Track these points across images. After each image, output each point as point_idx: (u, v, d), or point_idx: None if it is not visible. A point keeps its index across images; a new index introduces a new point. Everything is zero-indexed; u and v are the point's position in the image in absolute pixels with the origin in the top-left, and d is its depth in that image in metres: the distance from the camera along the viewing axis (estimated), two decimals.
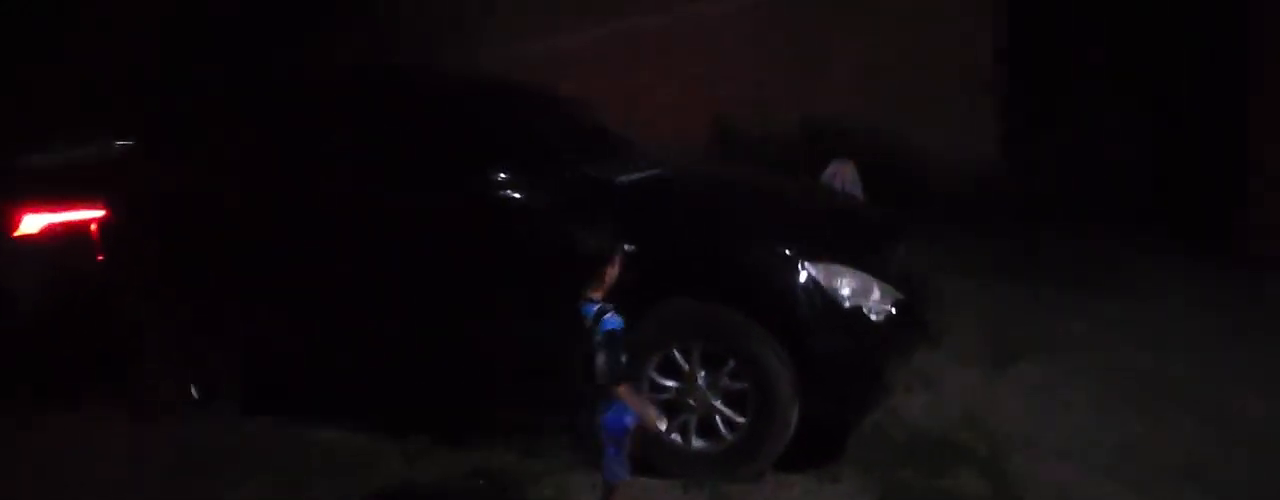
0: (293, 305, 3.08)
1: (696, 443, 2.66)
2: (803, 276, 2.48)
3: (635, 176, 3.01)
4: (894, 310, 2.52)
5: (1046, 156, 4.95)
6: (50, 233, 3.82)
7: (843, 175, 4.12)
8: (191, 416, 3.11)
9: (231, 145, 3.21)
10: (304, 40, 4.27)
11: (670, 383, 2.68)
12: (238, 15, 4.00)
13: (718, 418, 2.63)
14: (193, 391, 3.22)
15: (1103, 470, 2.55)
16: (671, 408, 2.69)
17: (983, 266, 4.16)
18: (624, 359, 2.03)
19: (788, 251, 2.55)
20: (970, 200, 4.85)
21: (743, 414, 2.59)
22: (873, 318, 2.51)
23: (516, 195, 2.84)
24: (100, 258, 3.35)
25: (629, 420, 2.08)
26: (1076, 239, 4.42)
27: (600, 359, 2.01)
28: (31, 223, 3.82)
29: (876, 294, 2.52)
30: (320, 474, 2.73)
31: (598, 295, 2.09)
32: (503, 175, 2.85)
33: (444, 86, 3.33)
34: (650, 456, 2.69)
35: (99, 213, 3.41)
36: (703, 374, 2.63)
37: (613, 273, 2.10)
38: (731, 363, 2.58)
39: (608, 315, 2.03)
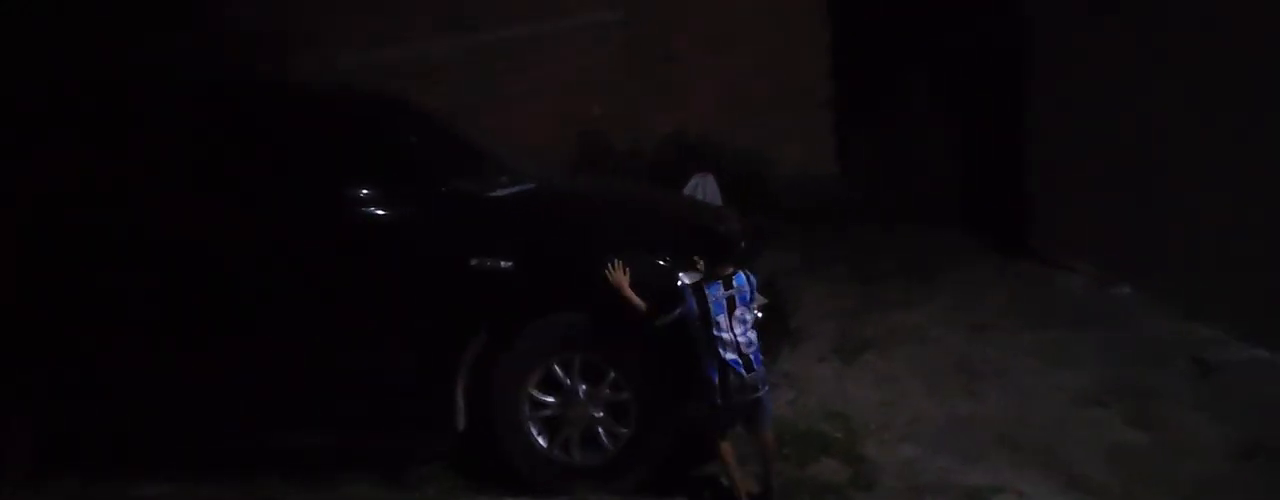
0: (115, 345, 2.74)
1: (578, 456, 2.68)
2: (679, 285, 2.59)
3: (507, 191, 2.99)
4: (761, 314, 2.70)
5: (876, 167, 5.50)
6: None
7: (704, 187, 4.35)
8: None
9: (30, 166, 2.81)
10: (131, 46, 3.80)
11: (551, 398, 2.69)
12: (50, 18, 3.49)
13: (600, 429, 2.67)
14: None
15: (939, 446, 2.88)
16: (553, 424, 2.70)
17: (828, 269, 4.55)
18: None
19: (663, 262, 2.65)
20: (814, 209, 5.28)
21: (624, 425, 2.65)
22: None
23: (380, 212, 2.72)
24: None
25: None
26: (905, 242, 4.95)
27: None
28: None
29: (752, 285, 2.68)
30: None
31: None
32: (364, 192, 2.72)
33: (293, 97, 3.12)
34: (530, 473, 2.68)
35: None
36: (583, 387, 2.66)
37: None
38: (612, 374, 2.63)
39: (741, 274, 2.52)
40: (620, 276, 2.48)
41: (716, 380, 2.43)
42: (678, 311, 2.44)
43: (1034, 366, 3.46)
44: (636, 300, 2.47)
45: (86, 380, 2.79)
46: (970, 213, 5.17)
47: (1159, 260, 4.00)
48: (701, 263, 2.51)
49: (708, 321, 2.42)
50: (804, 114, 5.62)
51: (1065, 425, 3.01)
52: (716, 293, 2.44)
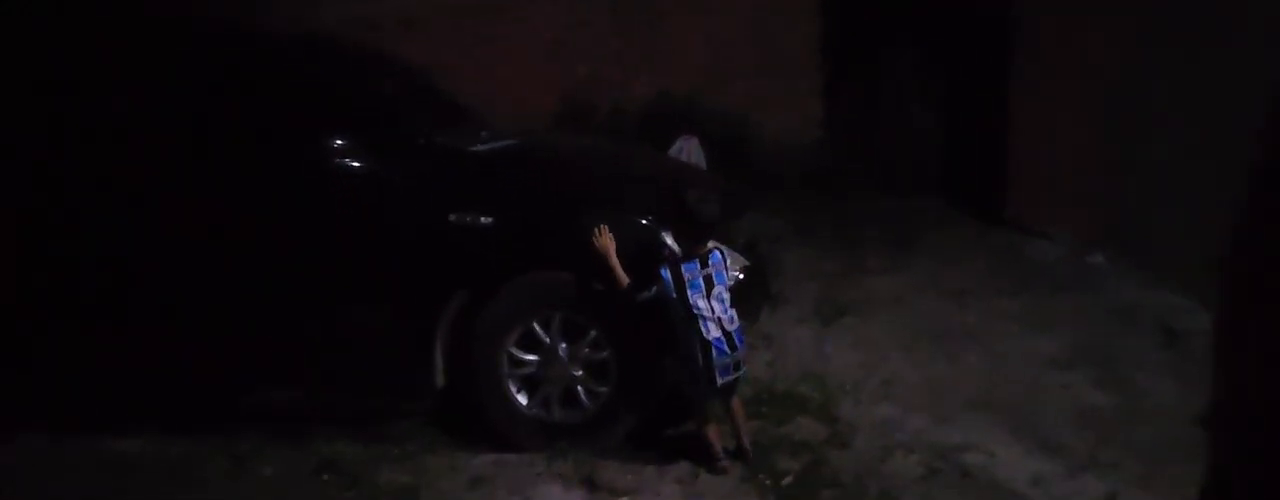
0: (79, 297, 2.68)
1: (558, 414, 2.69)
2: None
3: (488, 146, 2.93)
4: (742, 276, 2.69)
5: (860, 134, 5.48)
6: None
7: (688, 149, 4.32)
8: None
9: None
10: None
11: (531, 356, 2.68)
12: None
13: (579, 388, 2.68)
14: None
15: (914, 406, 2.94)
16: (532, 382, 2.70)
17: (811, 235, 4.56)
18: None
19: (645, 221, 2.63)
20: (798, 174, 5.27)
21: (604, 383, 2.65)
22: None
23: (356, 164, 2.66)
24: None
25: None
26: (887, 209, 4.97)
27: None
28: None
29: (727, 261, 2.68)
30: (127, 492, 2.43)
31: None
32: (339, 142, 2.66)
33: (270, 48, 3.01)
34: (509, 430, 2.69)
35: None
36: (564, 345, 2.65)
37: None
38: (592, 332, 2.63)
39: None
40: (607, 242, 2.43)
41: (700, 363, 2.41)
42: (654, 290, 2.41)
43: (1008, 331, 3.52)
44: (620, 272, 2.43)
45: (60, 334, 2.73)
46: (951, 181, 5.20)
47: (1133, 230, 4.07)
48: (677, 239, 2.49)
49: (686, 302, 2.39)
50: (790, 80, 5.55)
51: (1036, 388, 3.07)
52: (693, 271, 2.41)
